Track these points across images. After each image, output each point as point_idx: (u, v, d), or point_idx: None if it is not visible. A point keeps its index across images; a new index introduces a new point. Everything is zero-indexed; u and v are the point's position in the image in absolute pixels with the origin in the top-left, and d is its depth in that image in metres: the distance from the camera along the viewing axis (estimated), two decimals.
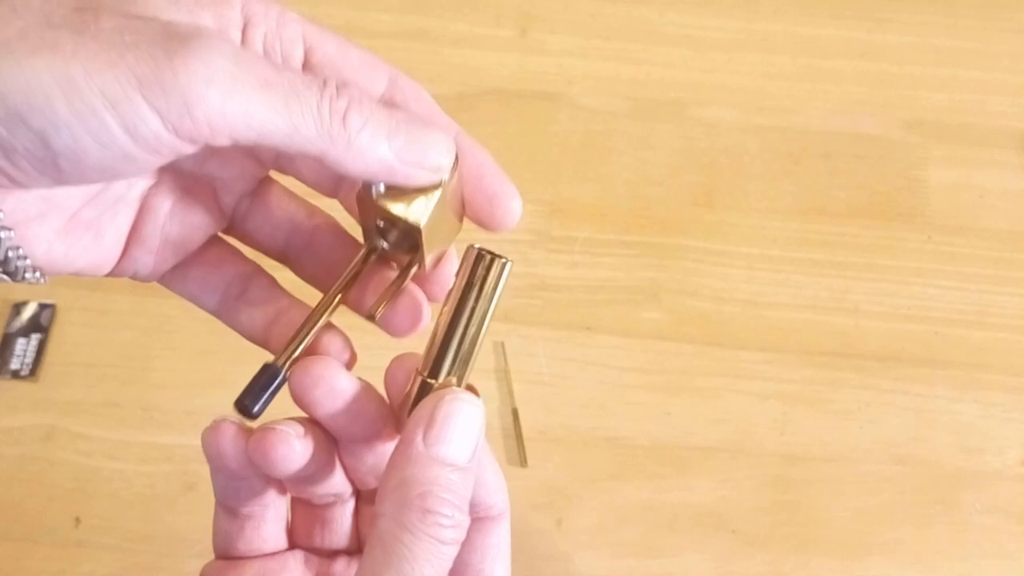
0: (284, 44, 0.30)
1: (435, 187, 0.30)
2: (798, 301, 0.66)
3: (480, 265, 0.30)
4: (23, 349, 0.62)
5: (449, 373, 0.31)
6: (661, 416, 0.62)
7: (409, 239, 0.31)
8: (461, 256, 0.31)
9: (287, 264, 0.34)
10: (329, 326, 0.32)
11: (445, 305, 0.31)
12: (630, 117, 0.72)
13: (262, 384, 0.31)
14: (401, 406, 0.31)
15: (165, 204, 0.31)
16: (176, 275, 0.33)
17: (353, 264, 0.32)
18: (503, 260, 0.30)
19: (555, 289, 0.66)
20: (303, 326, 0.32)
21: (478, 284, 0.30)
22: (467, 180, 0.32)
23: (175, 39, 0.25)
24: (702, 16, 0.77)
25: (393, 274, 0.33)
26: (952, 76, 0.75)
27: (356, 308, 0.33)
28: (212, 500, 0.33)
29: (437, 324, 0.31)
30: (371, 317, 0.32)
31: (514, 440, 0.61)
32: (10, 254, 0.28)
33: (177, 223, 0.32)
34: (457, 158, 0.32)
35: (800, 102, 0.74)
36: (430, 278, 0.33)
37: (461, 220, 0.33)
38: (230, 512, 0.33)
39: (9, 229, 0.27)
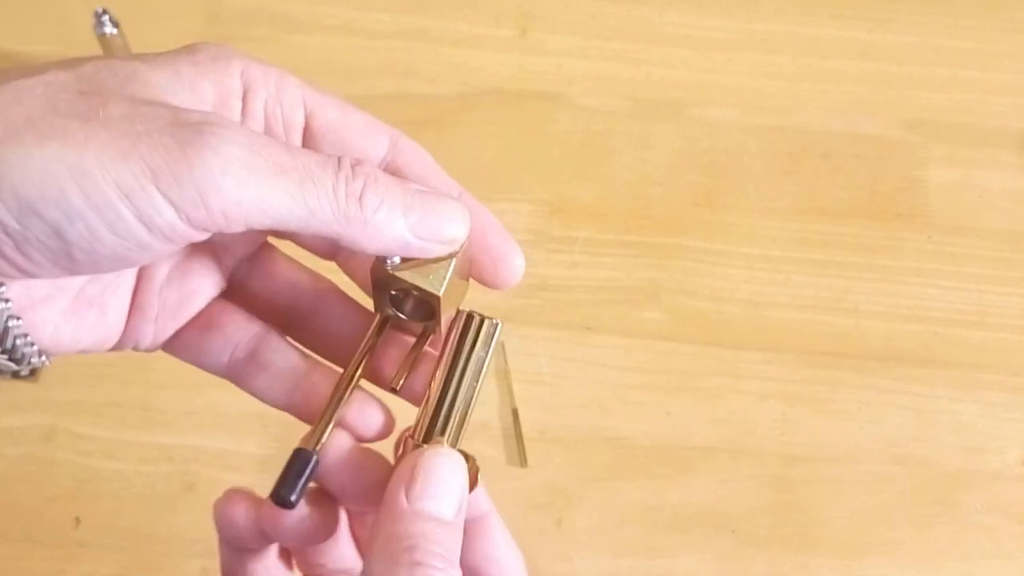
0: (285, 110, 0.30)
1: (450, 255, 0.30)
2: (798, 301, 0.66)
3: (470, 327, 0.30)
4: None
5: (438, 436, 0.31)
6: (661, 416, 0.62)
7: (424, 307, 0.31)
8: (453, 320, 0.31)
9: (290, 333, 0.33)
10: (358, 394, 0.32)
11: (437, 369, 0.31)
12: (630, 117, 0.72)
13: (295, 472, 0.30)
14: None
15: (162, 272, 0.31)
16: (179, 342, 0.32)
17: (368, 335, 0.32)
18: (494, 321, 0.31)
19: (555, 289, 0.66)
20: (328, 405, 0.31)
21: (468, 346, 0.30)
22: (472, 240, 0.32)
23: (187, 128, 0.25)
24: (702, 16, 0.77)
25: (405, 339, 0.33)
26: (952, 76, 0.75)
27: (375, 380, 0.33)
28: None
29: (429, 389, 0.31)
30: (394, 390, 0.32)
31: (514, 440, 0.61)
32: (17, 342, 0.28)
33: (175, 289, 0.32)
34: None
35: (800, 102, 0.74)
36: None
37: (468, 280, 0.33)
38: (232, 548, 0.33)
39: (17, 318, 0.27)
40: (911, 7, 0.78)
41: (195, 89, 0.28)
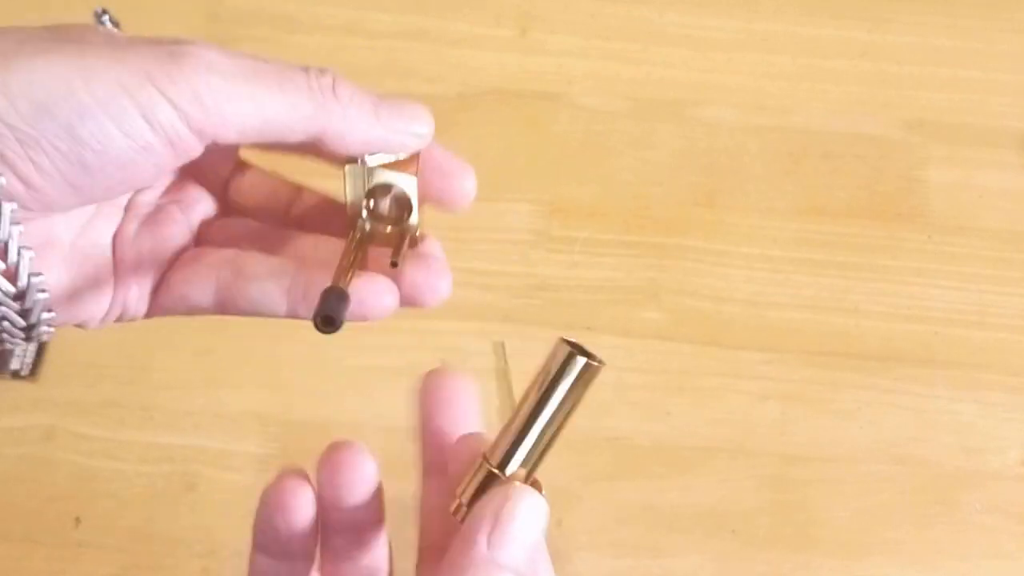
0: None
1: (415, 154, 0.32)
2: (798, 301, 0.66)
3: (572, 366, 0.30)
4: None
5: (519, 467, 0.30)
6: (661, 416, 0.62)
7: (399, 204, 0.32)
8: (552, 350, 0.30)
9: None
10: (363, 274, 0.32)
11: (527, 397, 0.30)
12: (630, 117, 0.72)
13: (336, 296, 0.29)
14: (460, 488, 0.30)
15: (131, 229, 0.32)
16: (163, 290, 0.32)
17: (349, 241, 0.32)
18: (597, 365, 0.31)
19: (555, 289, 0.66)
20: (343, 258, 0.31)
21: (568, 386, 0.30)
22: (422, 162, 0.33)
23: (167, 43, 0.27)
24: (702, 16, 0.77)
25: (382, 250, 0.33)
26: (952, 76, 0.75)
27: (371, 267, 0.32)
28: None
29: (515, 414, 0.30)
30: (394, 264, 0.32)
31: None
32: (32, 280, 0.28)
33: (146, 239, 0.32)
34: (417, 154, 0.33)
35: (800, 102, 0.74)
36: (417, 287, 0.33)
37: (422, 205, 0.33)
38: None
39: (29, 248, 0.27)
40: (911, 7, 0.78)
41: None
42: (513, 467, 0.30)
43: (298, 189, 0.35)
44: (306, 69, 0.29)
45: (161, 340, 0.62)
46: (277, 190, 0.35)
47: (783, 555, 0.58)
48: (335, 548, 0.32)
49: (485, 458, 0.30)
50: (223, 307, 0.32)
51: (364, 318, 0.31)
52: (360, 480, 0.30)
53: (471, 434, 0.31)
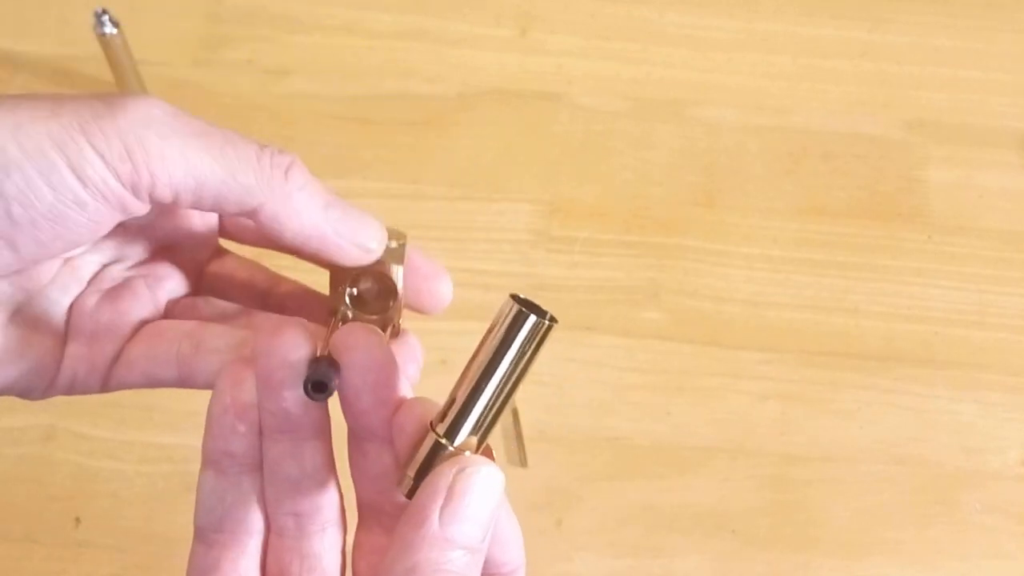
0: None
1: (402, 244, 0.31)
2: (798, 301, 0.66)
3: (522, 324, 0.27)
4: None
5: (469, 436, 0.27)
6: (661, 416, 0.62)
7: (384, 293, 0.32)
8: (500, 307, 0.28)
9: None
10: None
11: (474, 359, 0.28)
12: (630, 117, 0.72)
13: (327, 363, 0.28)
14: (408, 462, 0.28)
15: (92, 301, 0.32)
16: (121, 366, 0.32)
17: (331, 324, 0.32)
18: (549, 324, 0.28)
19: (555, 289, 0.66)
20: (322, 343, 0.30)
21: (518, 347, 0.27)
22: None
23: (109, 96, 0.27)
24: (702, 16, 0.77)
25: None
26: (952, 76, 0.75)
27: None
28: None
29: (461, 379, 0.28)
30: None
31: (514, 440, 0.61)
32: None
33: (106, 312, 0.32)
34: (403, 246, 0.32)
35: (800, 102, 0.74)
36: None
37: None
38: (206, 543, 0.30)
39: None
40: (911, 7, 0.78)
41: None
42: (463, 436, 0.27)
43: (277, 279, 0.35)
44: (264, 146, 0.28)
45: None
46: (255, 277, 0.35)
47: (783, 555, 0.58)
48: (276, 464, 0.30)
49: (432, 427, 0.28)
50: (184, 381, 0.32)
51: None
52: (286, 364, 0.28)
53: (416, 400, 0.29)
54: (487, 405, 0.27)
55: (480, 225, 0.68)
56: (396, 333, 0.33)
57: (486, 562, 0.28)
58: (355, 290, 0.32)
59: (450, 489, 0.26)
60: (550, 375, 0.63)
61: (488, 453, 0.28)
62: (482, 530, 0.27)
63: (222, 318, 0.33)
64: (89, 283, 0.32)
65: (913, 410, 0.62)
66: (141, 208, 0.28)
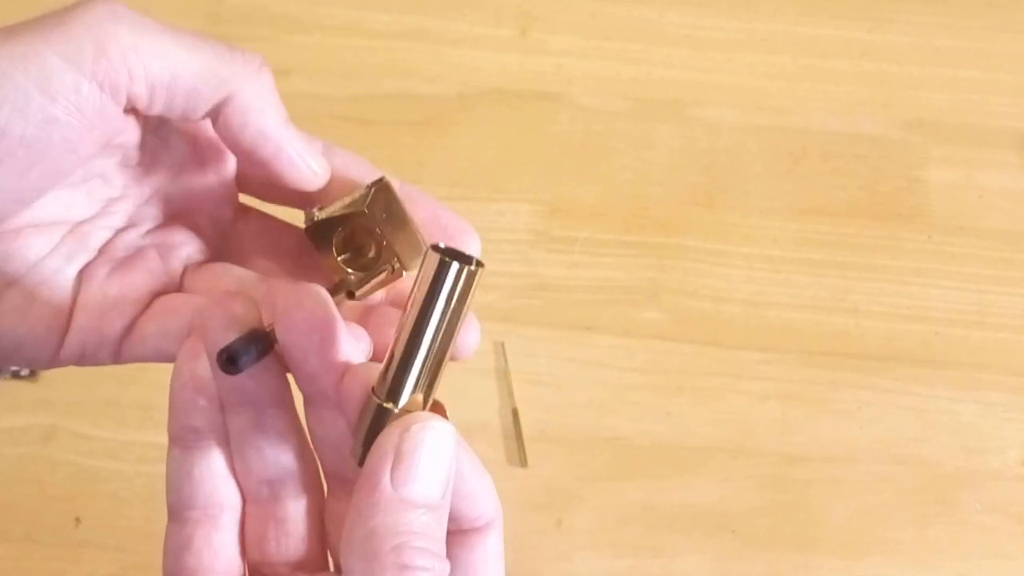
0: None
1: (381, 195, 0.31)
2: (798, 301, 0.66)
3: (445, 273, 0.25)
4: None
5: (413, 395, 0.26)
6: (661, 416, 0.62)
7: (365, 244, 0.31)
8: (423, 260, 0.26)
9: None
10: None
11: (403, 316, 0.26)
12: (630, 117, 0.72)
13: (247, 338, 0.27)
14: (355, 433, 0.27)
15: (102, 271, 0.31)
16: (134, 340, 0.31)
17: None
18: (473, 268, 0.26)
19: (555, 289, 0.66)
20: None
21: (444, 294, 0.26)
22: (425, 224, 0.32)
23: (65, 9, 0.26)
24: (702, 16, 0.77)
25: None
26: (952, 76, 0.75)
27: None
28: None
29: (395, 339, 0.26)
30: (351, 295, 0.30)
31: (514, 440, 0.61)
32: None
33: (115, 283, 0.31)
34: (388, 185, 0.31)
35: (800, 102, 0.74)
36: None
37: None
38: (179, 521, 0.29)
39: None
40: (911, 7, 0.78)
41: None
42: (405, 397, 0.26)
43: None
44: (235, 47, 0.28)
45: None
46: (283, 236, 0.34)
47: (783, 555, 0.58)
48: (240, 435, 0.29)
49: (374, 392, 0.27)
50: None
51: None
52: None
53: (362, 365, 0.28)
54: (424, 360, 0.26)
55: (480, 225, 0.67)
56: (394, 278, 0.32)
57: (457, 518, 0.28)
58: (347, 256, 0.31)
59: (398, 451, 0.26)
60: (550, 375, 0.63)
61: (438, 409, 0.27)
62: (438, 487, 0.26)
63: (239, 286, 0.32)
64: (100, 252, 0.31)
65: (913, 410, 0.62)
66: (119, 118, 0.27)
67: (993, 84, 0.74)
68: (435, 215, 0.32)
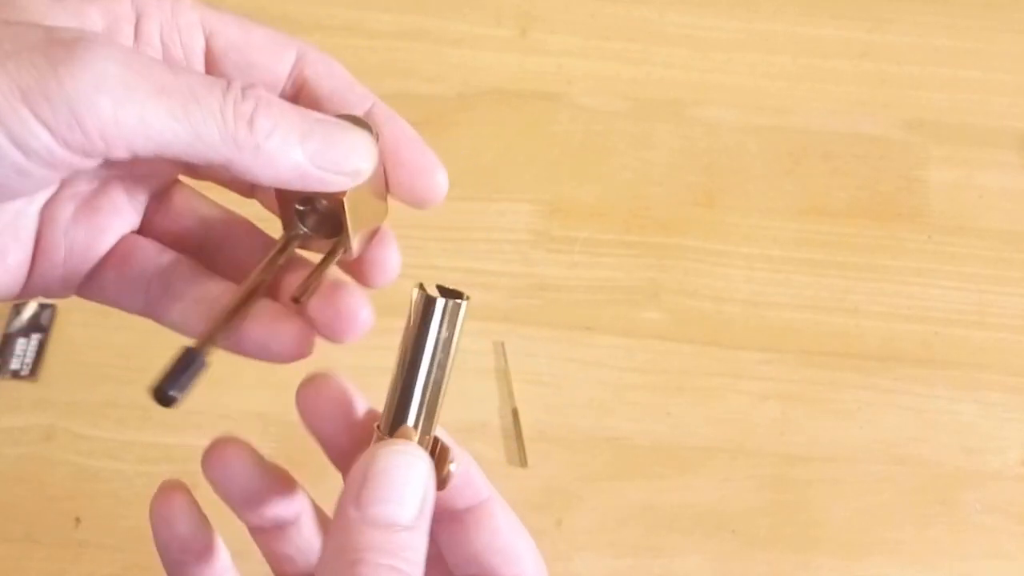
0: (183, 35, 0.29)
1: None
2: (798, 301, 0.66)
3: (432, 310, 0.27)
4: (23, 349, 0.62)
5: (413, 426, 0.28)
6: (661, 416, 0.62)
7: (331, 220, 0.30)
8: (412, 299, 0.28)
9: (203, 263, 0.32)
10: (271, 307, 0.30)
11: (398, 354, 0.28)
12: (630, 117, 0.72)
13: (181, 368, 0.28)
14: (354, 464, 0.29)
15: (67, 210, 0.30)
16: (94, 283, 0.30)
17: (274, 251, 0.30)
18: (459, 302, 0.27)
19: (555, 289, 0.66)
20: (219, 312, 0.29)
21: (434, 331, 0.27)
22: (387, 155, 0.30)
23: (58, 45, 0.24)
24: (702, 16, 0.77)
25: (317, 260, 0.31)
26: (952, 76, 0.75)
27: (279, 298, 0.30)
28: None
29: (394, 376, 0.28)
30: (295, 300, 0.30)
31: (514, 440, 0.61)
32: None
33: (82, 228, 0.30)
34: (377, 135, 0.30)
35: (800, 102, 0.74)
36: (365, 262, 0.31)
37: (386, 200, 0.31)
38: None
39: None
40: (911, 7, 0.78)
41: (80, 16, 0.26)
42: (403, 428, 0.28)
43: None
44: (227, 89, 0.26)
45: (161, 340, 0.62)
46: None
47: (783, 555, 0.58)
48: (258, 531, 0.32)
49: (377, 427, 0.28)
50: (149, 315, 0.31)
51: (273, 357, 0.29)
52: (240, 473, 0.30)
53: (317, 375, 0.30)
54: (420, 396, 0.28)
55: (480, 225, 0.68)
56: (350, 259, 0.31)
57: (450, 499, 0.29)
58: (305, 209, 0.30)
59: (364, 474, 0.27)
60: (550, 375, 0.63)
61: (437, 447, 0.28)
62: (405, 508, 0.26)
63: (202, 226, 0.31)
64: (62, 185, 0.30)
65: (913, 410, 0.62)
66: (92, 165, 0.26)
67: (993, 84, 0.74)
68: (399, 146, 0.31)
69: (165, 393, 0.27)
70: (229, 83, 0.26)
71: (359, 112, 0.31)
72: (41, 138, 0.24)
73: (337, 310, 0.29)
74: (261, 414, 0.59)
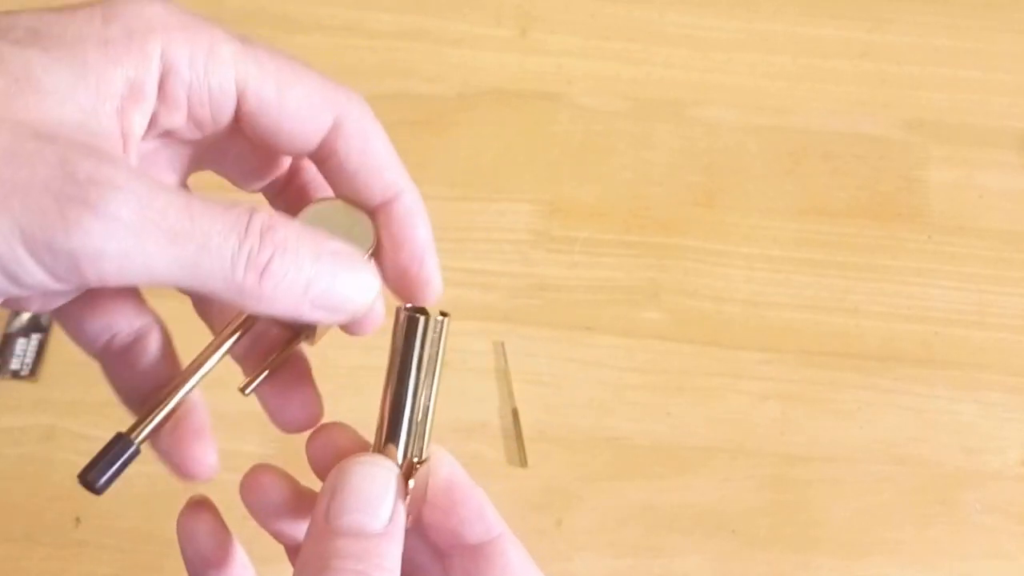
0: (213, 94, 0.27)
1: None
2: (798, 301, 0.66)
3: (415, 329, 0.28)
4: (23, 349, 0.62)
5: (393, 446, 0.29)
6: (661, 416, 0.62)
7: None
8: (394, 318, 0.28)
9: (196, 306, 0.32)
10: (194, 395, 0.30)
11: (385, 374, 0.29)
12: (630, 117, 0.72)
13: (110, 457, 0.28)
14: None
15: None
16: (62, 311, 0.30)
17: (225, 330, 0.29)
18: (440, 319, 0.28)
19: (555, 289, 0.65)
20: (163, 394, 0.29)
21: (417, 350, 0.28)
22: (390, 254, 0.30)
23: (71, 185, 0.22)
24: (702, 16, 0.77)
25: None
26: (952, 76, 0.75)
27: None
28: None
29: (383, 397, 0.29)
30: (243, 391, 0.30)
31: (514, 440, 0.61)
32: None
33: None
34: (373, 246, 0.30)
35: (800, 102, 0.74)
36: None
37: None
38: None
39: None
40: (911, 7, 0.78)
41: (101, 85, 0.25)
42: (387, 448, 0.29)
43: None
44: (245, 235, 0.25)
45: None
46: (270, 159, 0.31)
47: (783, 555, 0.58)
48: (292, 550, 0.33)
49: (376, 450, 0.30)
50: (97, 358, 0.33)
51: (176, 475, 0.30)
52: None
53: (326, 425, 0.31)
54: (411, 415, 0.29)
55: (480, 225, 0.68)
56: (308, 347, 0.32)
57: (462, 534, 0.30)
58: None
59: (332, 487, 0.28)
60: (550, 375, 0.63)
61: (410, 469, 0.29)
62: (372, 517, 0.27)
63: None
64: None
65: (913, 410, 0.62)
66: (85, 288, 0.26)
67: (993, 84, 0.74)
68: (412, 256, 0.30)
69: (92, 482, 0.27)
70: (249, 223, 0.25)
71: (380, 199, 0.30)
72: (36, 276, 0.23)
73: (291, 408, 0.31)
74: (261, 414, 0.59)
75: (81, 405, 0.61)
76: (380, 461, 0.28)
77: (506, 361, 0.62)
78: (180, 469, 0.30)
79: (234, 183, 0.32)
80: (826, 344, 0.64)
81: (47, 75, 0.24)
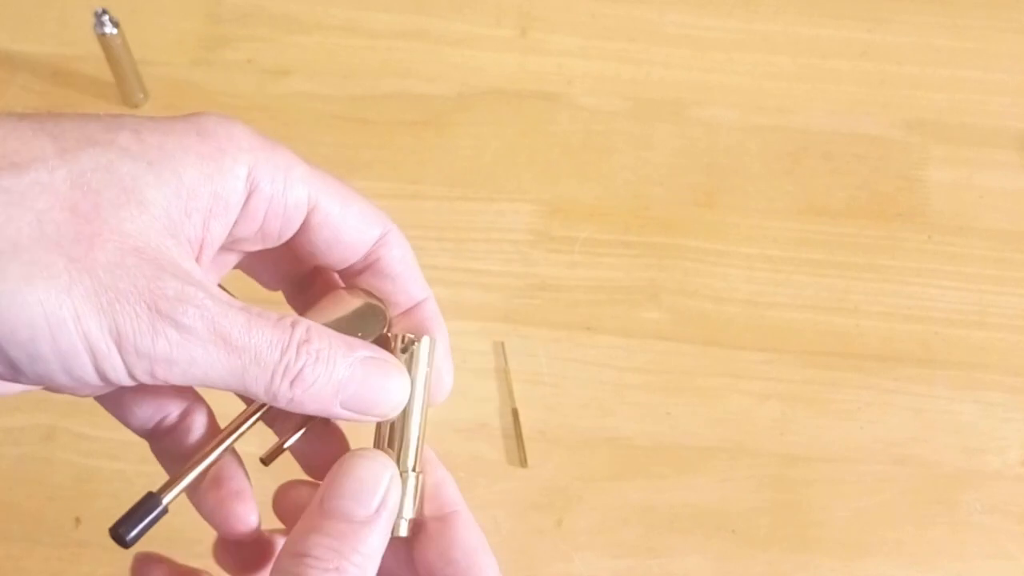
0: (288, 208, 0.30)
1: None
2: (798, 301, 0.66)
3: (409, 351, 0.31)
4: None
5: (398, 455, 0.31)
6: (661, 416, 0.62)
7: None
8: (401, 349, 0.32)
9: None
10: (231, 454, 0.33)
11: None
12: (630, 117, 0.72)
13: (140, 514, 0.32)
14: None
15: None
16: (110, 397, 0.32)
17: (253, 409, 0.32)
18: (424, 339, 0.31)
19: (555, 289, 0.65)
20: (196, 458, 0.32)
21: (413, 371, 0.31)
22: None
23: (162, 300, 0.26)
24: (702, 16, 0.77)
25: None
26: (952, 76, 0.75)
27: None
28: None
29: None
30: (264, 462, 0.33)
31: (514, 440, 0.61)
32: None
33: None
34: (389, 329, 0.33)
35: (800, 102, 0.74)
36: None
37: None
38: None
39: None
40: (911, 7, 0.78)
41: (191, 200, 0.28)
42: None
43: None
44: (287, 346, 0.28)
45: None
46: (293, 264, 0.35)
47: (783, 555, 0.58)
48: None
49: None
50: (149, 441, 0.35)
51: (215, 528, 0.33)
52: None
53: (290, 483, 0.34)
54: (403, 430, 0.31)
55: (480, 225, 0.68)
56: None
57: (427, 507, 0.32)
58: None
59: (332, 474, 0.30)
60: (550, 375, 0.63)
61: (405, 479, 0.31)
62: (360, 504, 0.29)
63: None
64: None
65: (913, 410, 0.62)
66: None
67: (993, 84, 0.75)
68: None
69: (122, 537, 0.32)
70: (291, 336, 0.28)
71: (411, 302, 0.34)
72: (119, 373, 0.27)
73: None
74: None
75: (81, 405, 0.60)
76: (381, 457, 0.30)
77: (506, 361, 0.62)
78: (223, 527, 0.33)
79: (263, 285, 0.36)
80: (826, 344, 0.64)
81: (149, 189, 0.27)
